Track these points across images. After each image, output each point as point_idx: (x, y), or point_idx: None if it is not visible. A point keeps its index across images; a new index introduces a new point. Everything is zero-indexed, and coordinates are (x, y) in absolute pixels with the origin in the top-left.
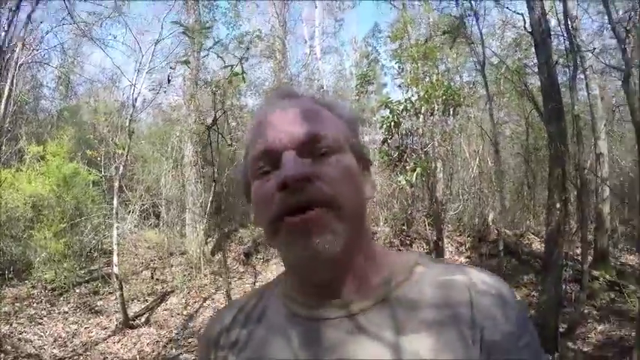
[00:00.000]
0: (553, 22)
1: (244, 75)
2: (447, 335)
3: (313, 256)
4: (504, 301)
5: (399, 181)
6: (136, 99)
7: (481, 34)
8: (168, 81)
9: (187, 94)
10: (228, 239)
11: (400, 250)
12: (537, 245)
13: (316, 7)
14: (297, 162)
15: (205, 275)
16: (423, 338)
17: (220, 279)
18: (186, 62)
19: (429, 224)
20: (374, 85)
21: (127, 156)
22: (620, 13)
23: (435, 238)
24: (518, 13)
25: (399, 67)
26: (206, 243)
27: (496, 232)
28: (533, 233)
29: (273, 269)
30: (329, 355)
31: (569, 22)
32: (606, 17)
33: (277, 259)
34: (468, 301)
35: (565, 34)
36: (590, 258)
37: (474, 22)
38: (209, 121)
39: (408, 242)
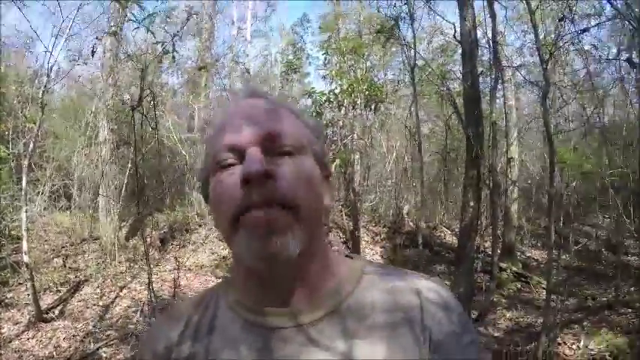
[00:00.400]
0: (479, 34)
1: (175, 54)
2: (401, 338)
3: (272, 257)
4: (448, 305)
5: None
6: (51, 68)
7: (415, 37)
8: (92, 53)
9: (107, 67)
10: (143, 224)
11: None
12: (449, 238)
13: None
14: (261, 158)
15: (120, 262)
16: (375, 343)
17: (136, 266)
18: (115, 34)
19: (346, 214)
20: (298, 73)
21: (38, 131)
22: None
23: (351, 228)
24: (449, 22)
25: (325, 58)
26: (120, 228)
27: (410, 224)
28: (445, 226)
29: (190, 256)
30: None
31: (496, 37)
32: (528, 36)
33: (194, 246)
34: (418, 304)
35: (491, 48)
36: (498, 251)
37: (409, 25)
38: (127, 97)
39: (325, 231)
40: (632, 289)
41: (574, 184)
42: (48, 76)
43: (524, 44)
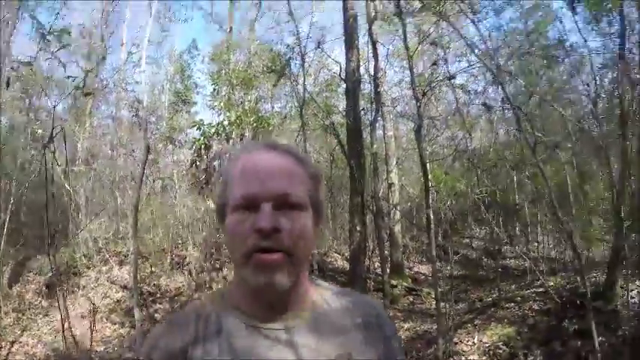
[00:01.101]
0: (362, 69)
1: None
2: (361, 336)
3: (272, 287)
4: (388, 317)
5: (209, 205)
6: None
7: (304, 76)
8: (7, 85)
9: None
10: (24, 269)
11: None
12: (340, 262)
13: (151, 14)
14: (271, 215)
15: (7, 313)
16: (344, 340)
17: (24, 317)
18: (29, 64)
19: None
20: (187, 104)
21: None
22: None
23: None
24: (336, 62)
25: (214, 89)
26: (1, 274)
27: None
28: (335, 252)
29: (81, 302)
30: (296, 354)
31: (377, 74)
32: (407, 72)
33: (85, 290)
34: (375, 313)
35: (372, 85)
36: (388, 270)
37: (299, 64)
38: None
39: (218, 266)
40: (513, 286)
41: (449, 203)
42: None
43: (402, 79)
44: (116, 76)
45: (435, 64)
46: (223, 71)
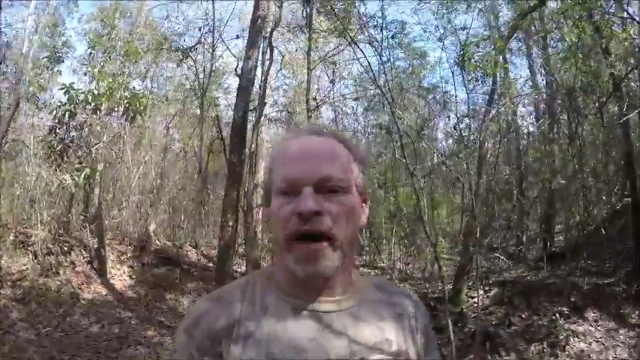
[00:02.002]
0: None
1: None
2: (402, 324)
3: (315, 275)
4: (424, 308)
5: (65, 180)
6: None
7: (212, 63)
8: None
9: None
10: None
11: None
12: (196, 257)
13: None
14: (313, 198)
15: None
16: (385, 326)
17: None
18: None
19: (90, 231)
20: (62, 62)
21: None
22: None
23: (96, 245)
24: (235, 57)
25: (90, 53)
26: None
27: (157, 242)
28: (191, 246)
29: None
30: (339, 337)
31: (267, 78)
32: (288, 80)
33: None
34: (411, 304)
35: (262, 87)
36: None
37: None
38: None
39: (66, 249)
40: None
41: None
42: None
43: (282, 86)
44: None
45: (332, 81)
46: (108, 36)
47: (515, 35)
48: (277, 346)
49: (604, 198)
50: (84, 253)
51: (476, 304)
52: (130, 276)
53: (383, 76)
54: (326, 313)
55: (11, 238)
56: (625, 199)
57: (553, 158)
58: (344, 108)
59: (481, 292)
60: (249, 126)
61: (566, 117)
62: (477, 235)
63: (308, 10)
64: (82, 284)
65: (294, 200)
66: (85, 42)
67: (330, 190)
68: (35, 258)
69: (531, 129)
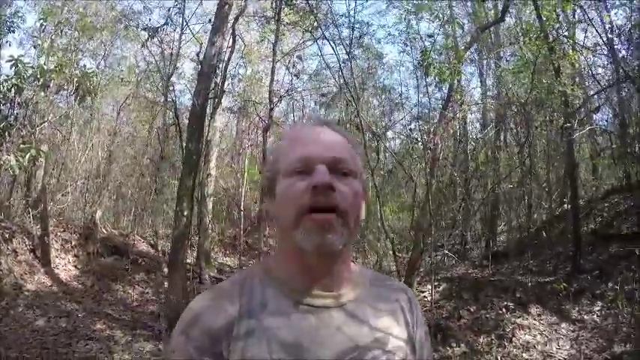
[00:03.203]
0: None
1: None
2: (398, 318)
3: (324, 246)
4: (417, 302)
5: (8, 161)
6: None
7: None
8: None
9: None
10: None
11: None
12: (143, 247)
13: None
14: (327, 173)
15: None
16: (385, 320)
17: None
18: None
19: (33, 217)
20: (13, 32)
21: None
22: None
23: (39, 232)
24: (200, 43)
25: (41, 25)
26: None
27: (104, 230)
28: (138, 235)
29: None
30: (339, 332)
31: (228, 66)
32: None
33: None
34: (407, 298)
35: (221, 75)
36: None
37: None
38: None
39: (7, 236)
40: None
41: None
42: None
43: (237, 75)
44: None
45: (297, 75)
46: (63, 9)
47: (473, 47)
48: (278, 343)
49: (544, 204)
50: (26, 240)
51: (426, 298)
52: (76, 266)
53: (347, 72)
54: (326, 309)
55: None
56: (564, 205)
57: (499, 164)
58: (302, 102)
59: (430, 286)
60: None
61: (514, 126)
62: (432, 232)
63: (277, 2)
64: (25, 274)
65: (306, 178)
66: (35, 13)
67: (342, 172)
68: None
69: (479, 135)
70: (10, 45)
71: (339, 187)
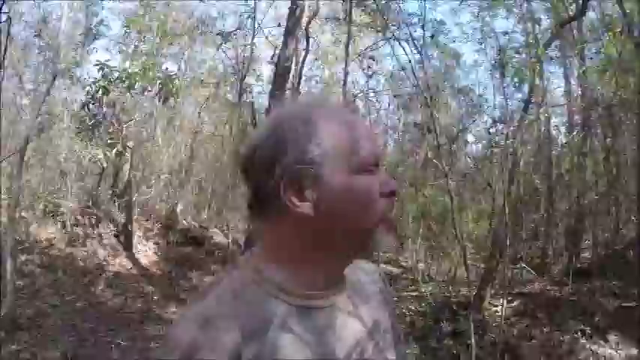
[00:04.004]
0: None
1: None
2: (382, 301)
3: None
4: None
5: (97, 155)
6: None
7: (252, 47)
8: None
9: None
10: None
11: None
12: (220, 238)
13: None
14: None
15: None
16: (374, 307)
17: None
18: None
19: (119, 206)
20: (97, 39)
21: None
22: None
23: (123, 220)
24: (274, 45)
25: (125, 32)
26: None
27: (184, 222)
28: (216, 227)
29: None
30: (348, 326)
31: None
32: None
33: None
34: (381, 279)
35: (297, 76)
36: None
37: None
38: None
39: (94, 222)
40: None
41: None
42: None
43: (315, 77)
44: None
45: (370, 76)
46: (143, 17)
47: (553, 44)
48: (292, 357)
49: (634, 218)
50: (111, 226)
51: (498, 314)
52: (155, 252)
53: (421, 74)
54: (329, 307)
55: (41, 207)
56: None
57: (585, 172)
58: (377, 104)
59: (504, 301)
60: None
61: (600, 131)
62: (507, 243)
63: (348, 3)
64: (108, 256)
65: (373, 178)
66: (120, 21)
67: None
68: (64, 228)
69: (564, 140)
70: (96, 51)
71: None
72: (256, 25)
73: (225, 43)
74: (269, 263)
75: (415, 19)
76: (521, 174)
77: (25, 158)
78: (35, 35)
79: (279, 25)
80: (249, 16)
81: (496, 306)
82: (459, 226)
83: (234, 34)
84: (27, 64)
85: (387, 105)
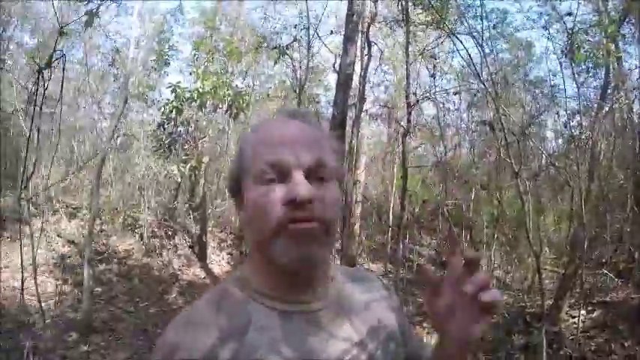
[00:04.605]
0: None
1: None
2: (381, 308)
3: (308, 259)
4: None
5: (172, 170)
6: None
7: (308, 58)
8: None
9: None
10: None
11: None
12: None
13: None
14: (306, 184)
15: None
16: (370, 313)
17: None
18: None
19: (194, 218)
20: (168, 65)
21: None
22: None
23: (198, 232)
24: (331, 52)
25: (194, 55)
26: None
27: None
28: None
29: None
30: (333, 335)
31: (366, 74)
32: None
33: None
34: (381, 285)
35: (361, 83)
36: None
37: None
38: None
39: (170, 234)
40: None
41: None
42: None
43: (383, 82)
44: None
45: (433, 75)
46: (210, 39)
47: (627, 20)
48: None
49: None
50: (186, 238)
51: (575, 325)
52: (229, 262)
53: (486, 68)
54: (312, 313)
55: (120, 220)
56: None
57: None
58: (446, 104)
59: (583, 311)
60: (350, 122)
61: None
62: (585, 247)
63: (403, 2)
64: (183, 266)
65: (280, 186)
66: (190, 45)
67: (319, 177)
68: (141, 239)
69: None
70: (167, 75)
71: (318, 196)
72: (312, 35)
73: (282, 56)
74: (250, 268)
75: (474, 11)
76: (602, 169)
77: (105, 176)
78: (110, 64)
79: (331, 32)
80: (303, 27)
81: (574, 317)
82: (536, 229)
83: (291, 46)
84: (105, 90)
85: (458, 104)
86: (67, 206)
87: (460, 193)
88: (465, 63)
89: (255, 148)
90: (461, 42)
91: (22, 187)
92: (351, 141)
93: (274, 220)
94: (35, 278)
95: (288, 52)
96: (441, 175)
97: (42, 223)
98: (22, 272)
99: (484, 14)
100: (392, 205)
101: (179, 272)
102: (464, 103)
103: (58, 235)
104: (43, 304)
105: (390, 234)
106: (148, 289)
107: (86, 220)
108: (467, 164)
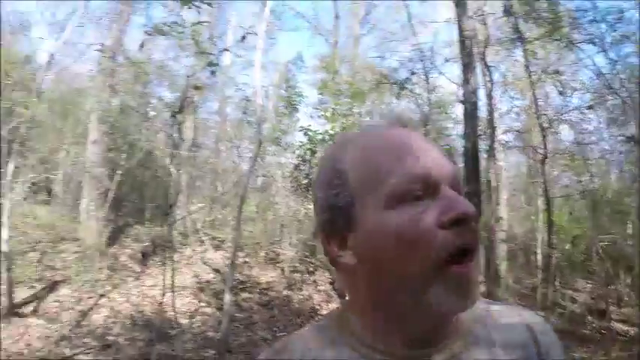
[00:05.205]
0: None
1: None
2: None
3: (466, 308)
4: (555, 340)
5: (310, 209)
6: (52, 55)
7: (428, 91)
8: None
9: (105, 67)
10: (122, 234)
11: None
12: None
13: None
14: (464, 198)
15: (101, 269)
16: None
17: (117, 276)
18: (198, 88)
19: None
20: (297, 110)
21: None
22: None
23: None
24: (454, 83)
25: (319, 98)
26: (102, 234)
27: None
28: None
29: (172, 275)
30: None
31: (492, 101)
32: (516, 101)
33: (177, 265)
34: (532, 341)
35: (488, 110)
36: None
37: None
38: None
39: (312, 269)
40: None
41: (567, 246)
42: (50, 62)
43: (512, 108)
44: (222, 75)
45: (561, 93)
46: (331, 81)
47: None
48: None
49: None
50: (327, 274)
51: None
52: None
53: (617, 77)
54: None
55: (262, 254)
56: None
57: None
58: (583, 124)
59: None
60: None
61: None
62: None
63: (513, 20)
64: (322, 301)
65: (428, 206)
66: (314, 90)
67: (458, 192)
68: (282, 273)
69: None
70: (299, 120)
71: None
72: (428, 67)
73: (402, 90)
74: (350, 313)
75: (590, 15)
76: None
77: (248, 213)
78: (243, 112)
79: (446, 60)
80: (419, 60)
81: None
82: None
83: (410, 80)
84: (242, 136)
85: (598, 122)
86: (213, 238)
87: (615, 227)
88: (593, 74)
89: (382, 163)
90: (582, 51)
91: (171, 220)
92: (487, 174)
93: (433, 254)
94: (173, 298)
95: (407, 86)
96: (590, 205)
97: (191, 251)
98: (163, 291)
99: (595, 18)
100: (539, 244)
101: (318, 307)
102: (603, 121)
103: (204, 263)
104: (184, 322)
105: (539, 276)
106: (287, 320)
107: (230, 252)
108: (618, 191)
